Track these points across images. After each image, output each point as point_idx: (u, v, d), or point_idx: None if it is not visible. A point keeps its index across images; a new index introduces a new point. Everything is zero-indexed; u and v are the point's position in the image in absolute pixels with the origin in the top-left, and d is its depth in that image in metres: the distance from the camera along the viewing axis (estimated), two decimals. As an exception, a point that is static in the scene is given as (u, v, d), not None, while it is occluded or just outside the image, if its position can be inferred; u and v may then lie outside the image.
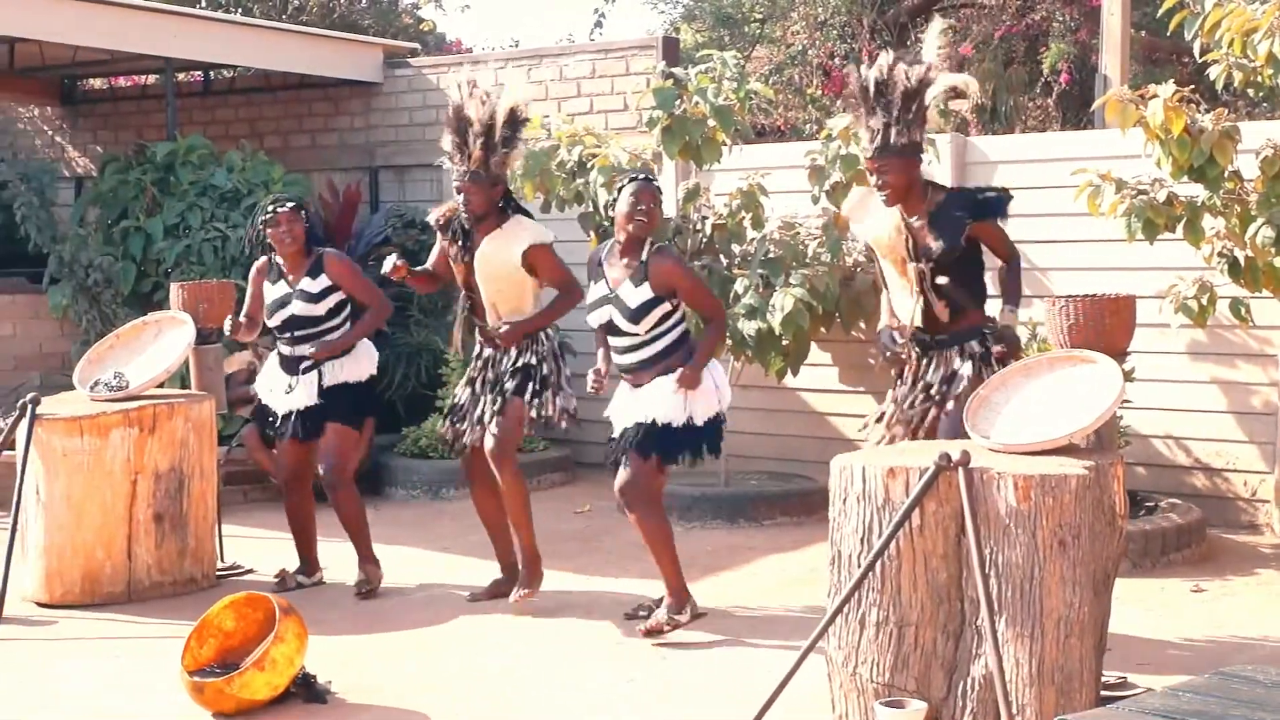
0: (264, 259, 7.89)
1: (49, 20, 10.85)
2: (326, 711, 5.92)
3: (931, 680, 5.20)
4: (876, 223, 6.46)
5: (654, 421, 6.75)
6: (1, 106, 15.22)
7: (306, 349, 7.73)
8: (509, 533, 7.53)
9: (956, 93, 6.36)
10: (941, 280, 6.30)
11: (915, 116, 6.26)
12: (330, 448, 7.71)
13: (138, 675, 6.45)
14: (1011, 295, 6.43)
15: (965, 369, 6.29)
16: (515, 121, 7.32)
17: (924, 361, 6.43)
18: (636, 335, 6.84)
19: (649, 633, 6.80)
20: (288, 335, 7.77)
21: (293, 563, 8.14)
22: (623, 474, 6.80)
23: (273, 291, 7.78)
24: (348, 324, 7.79)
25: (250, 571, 8.31)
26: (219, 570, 8.16)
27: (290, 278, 7.73)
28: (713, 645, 6.72)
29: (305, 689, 6.00)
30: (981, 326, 6.39)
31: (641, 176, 6.95)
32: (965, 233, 6.27)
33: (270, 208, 7.72)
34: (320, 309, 7.69)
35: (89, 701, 6.13)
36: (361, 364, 7.80)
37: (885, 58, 6.32)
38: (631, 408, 6.87)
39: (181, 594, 7.76)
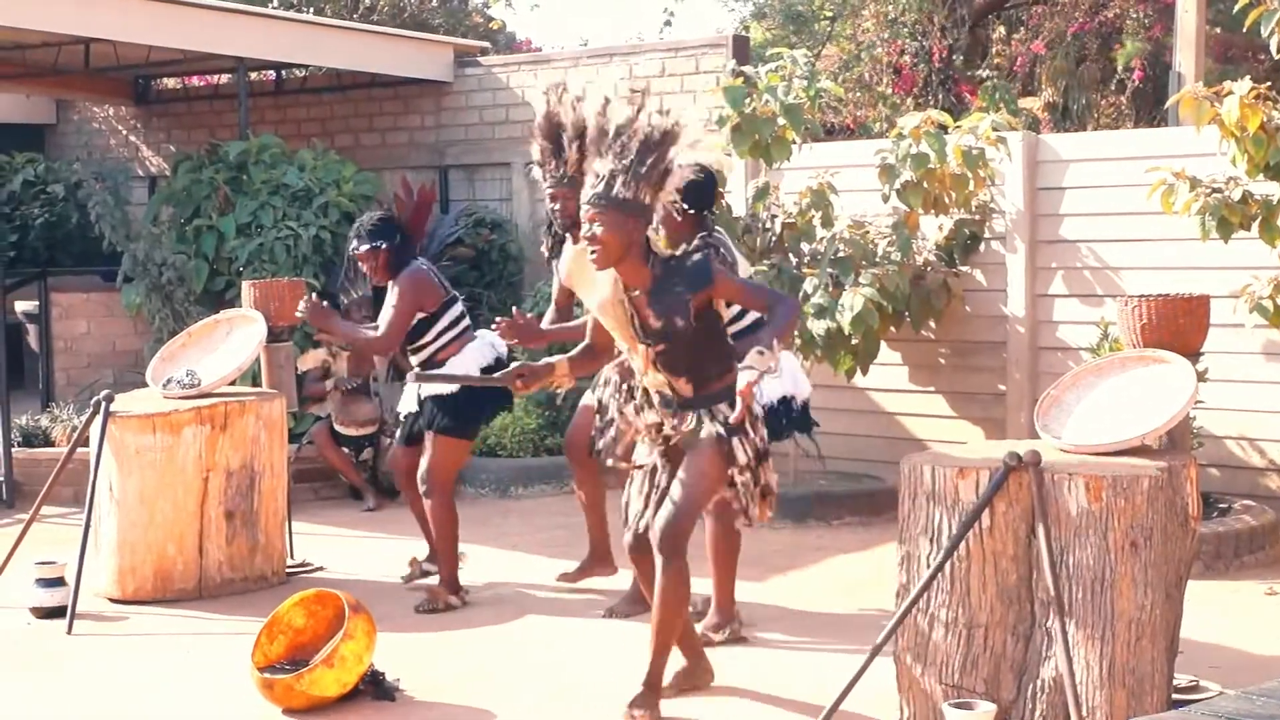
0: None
1: (124, 21, 10.95)
2: (394, 709, 5.94)
3: (1001, 682, 5.17)
4: (598, 287, 5.67)
5: None
6: (77, 106, 15.37)
7: (415, 359, 7.70)
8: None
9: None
10: (676, 359, 5.57)
11: (649, 173, 5.43)
12: (426, 457, 7.65)
13: (208, 671, 6.49)
14: (764, 334, 5.36)
15: (712, 430, 5.59)
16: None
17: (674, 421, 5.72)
18: None
19: None
20: (403, 349, 7.78)
21: (370, 560, 8.18)
22: None
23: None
24: (442, 337, 7.71)
25: (320, 569, 8.35)
26: (289, 567, 8.21)
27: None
28: (780, 645, 6.70)
29: (374, 686, 6.03)
30: (733, 387, 5.56)
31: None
32: (689, 309, 5.47)
33: (352, 244, 7.69)
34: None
35: (160, 697, 6.18)
36: (472, 358, 7.75)
37: (630, 103, 5.54)
38: None
39: (252, 591, 7.81)
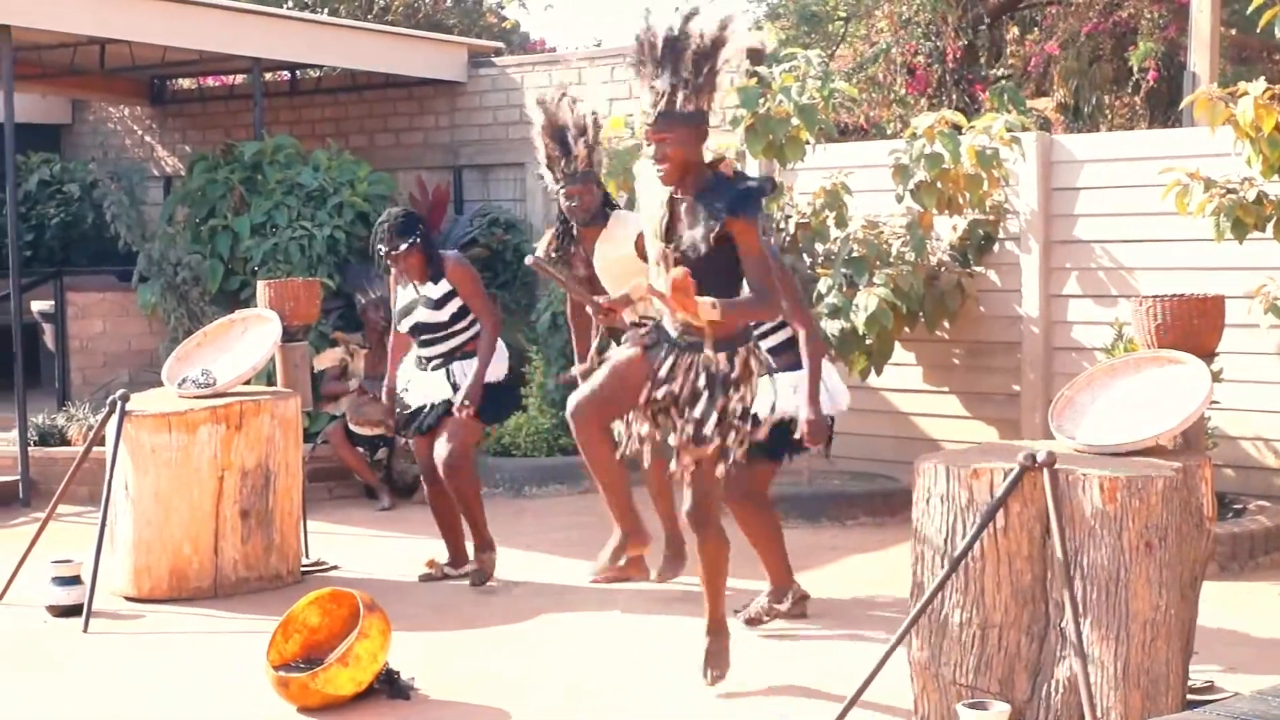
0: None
1: (140, 21, 10.97)
2: (409, 708, 5.96)
3: (1015, 682, 5.17)
4: (652, 200, 5.78)
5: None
6: (93, 107, 15.41)
7: (431, 351, 7.79)
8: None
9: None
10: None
11: (705, 81, 5.55)
12: (450, 432, 7.69)
13: (223, 670, 6.51)
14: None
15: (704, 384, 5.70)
16: (597, 124, 7.35)
17: (669, 361, 5.79)
18: None
19: (750, 622, 6.80)
20: (419, 340, 7.82)
21: (385, 559, 8.20)
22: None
23: (403, 296, 7.84)
24: (475, 327, 7.79)
25: (335, 568, 8.37)
26: (304, 566, 8.23)
27: (416, 283, 7.77)
28: (795, 644, 6.70)
29: (389, 685, 6.04)
30: (748, 331, 5.78)
31: None
32: (717, 229, 5.51)
33: (384, 250, 7.70)
34: (444, 315, 7.71)
35: (175, 695, 6.20)
36: (495, 366, 7.79)
37: (681, 12, 5.58)
38: None
39: (267, 590, 7.83)
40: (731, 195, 5.53)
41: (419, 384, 7.86)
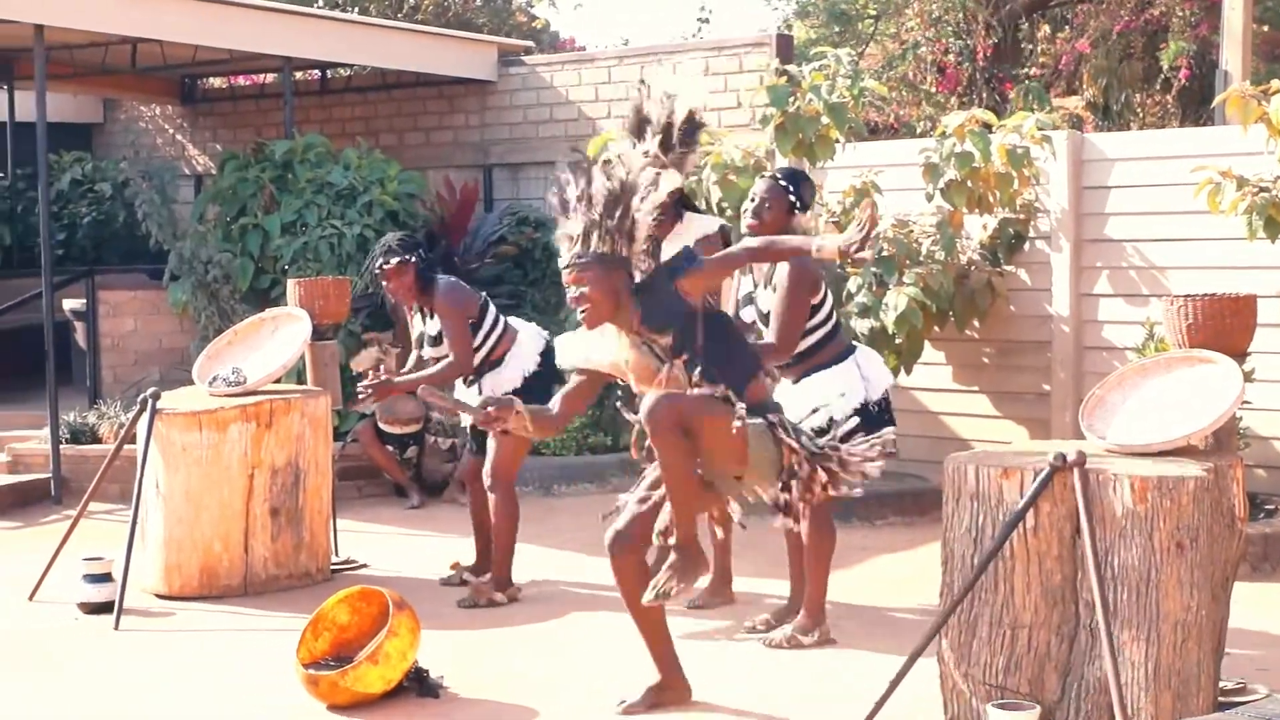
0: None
1: (171, 21, 11.01)
2: (439, 706, 5.96)
3: (1045, 683, 5.15)
4: (604, 350, 5.63)
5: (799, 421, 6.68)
6: (124, 106, 15.47)
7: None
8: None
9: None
10: (696, 367, 5.44)
11: (619, 225, 5.43)
12: (491, 453, 7.67)
13: (253, 667, 6.53)
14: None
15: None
16: (693, 123, 6.93)
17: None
18: (770, 335, 6.60)
19: (773, 646, 6.73)
20: None
21: (414, 557, 8.21)
22: None
23: (416, 326, 7.86)
24: (489, 339, 7.73)
25: (364, 566, 8.39)
26: (334, 565, 8.25)
27: (417, 313, 7.79)
28: (824, 645, 6.69)
29: (418, 683, 6.05)
30: (768, 402, 5.64)
31: (768, 175, 6.88)
32: (681, 297, 5.44)
33: (379, 263, 7.69)
34: (444, 350, 7.66)
35: (206, 692, 6.22)
36: (513, 373, 7.77)
37: (582, 175, 5.51)
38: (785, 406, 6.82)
39: (296, 588, 7.85)
40: (668, 270, 5.47)
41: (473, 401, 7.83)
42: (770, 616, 6.97)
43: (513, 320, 7.96)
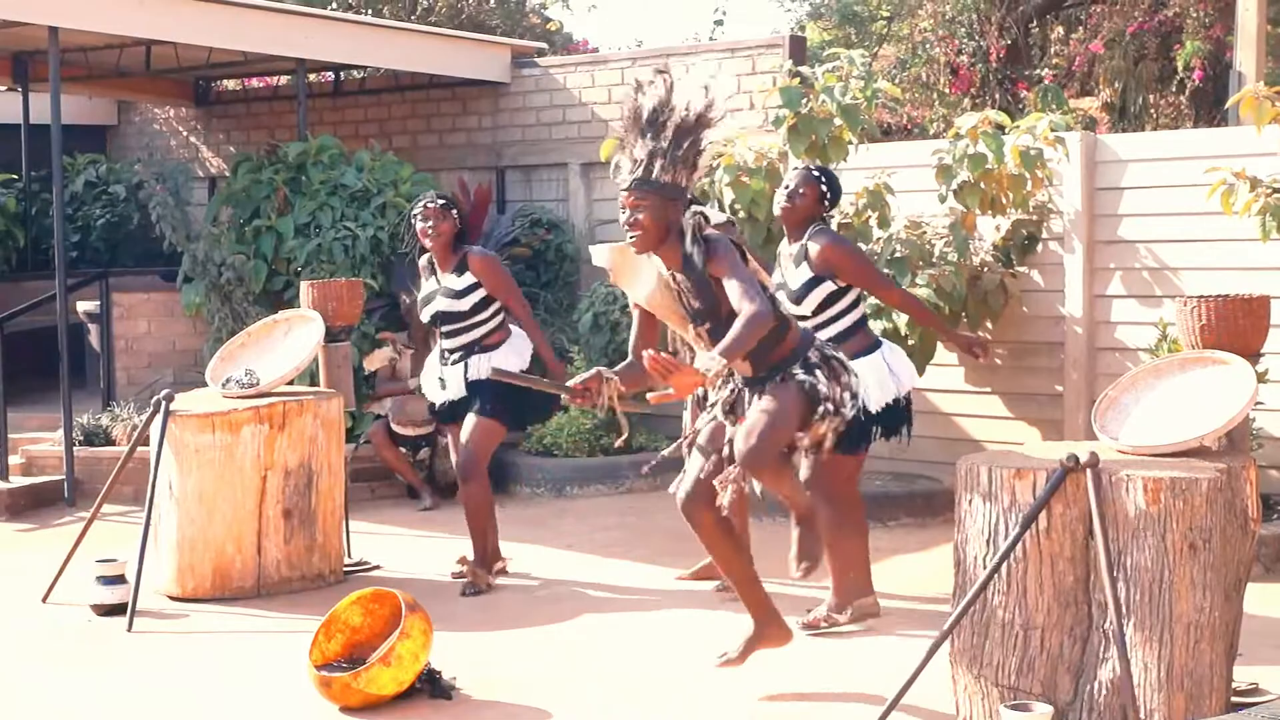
0: (424, 259, 8.00)
1: (185, 23, 11.02)
2: (451, 707, 5.97)
3: (1057, 684, 5.15)
4: (641, 278, 5.75)
5: None
6: (138, 108, 15.50)
7: (452, 343, 7.85)
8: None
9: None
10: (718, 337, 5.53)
11: (685, 155, 5.51)
12: (466, 438, 7.74)
13: (266, 669, 6.54)
14: (721, 343, 5.36)
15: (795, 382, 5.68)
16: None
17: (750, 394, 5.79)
18: (806, 318, 6.76)
19: (809, 625, 6.80)
20: (441, 330, 7.89)
21: (427, 559, 8.22)
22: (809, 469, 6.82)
23: (425, 287, 7.91)
24: (494, 320, 7.86)
25: (377, 567, 8.40)
26: (346, 566, 8.26)
27: (439, 274, 7.85)
28: (836, 645, 6.69)
29: (430, 685, 6.06)
30: (799, 349, 5.75)
31: (803, 165, 7.08)
32: (710, 283, 5.54)
33: (425, 202, 7.85)
34: (464, 305, 7.78)
35: (219, 694, 6.23)
36: (509, 360, 7.81)
37: (663, 83, 5.56)
38: None
39: (309, 589, 7.86)
40: (700, 248, 5.50)
41: (439, 377, 7.91)
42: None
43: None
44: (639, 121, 5.53)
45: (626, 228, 5.52)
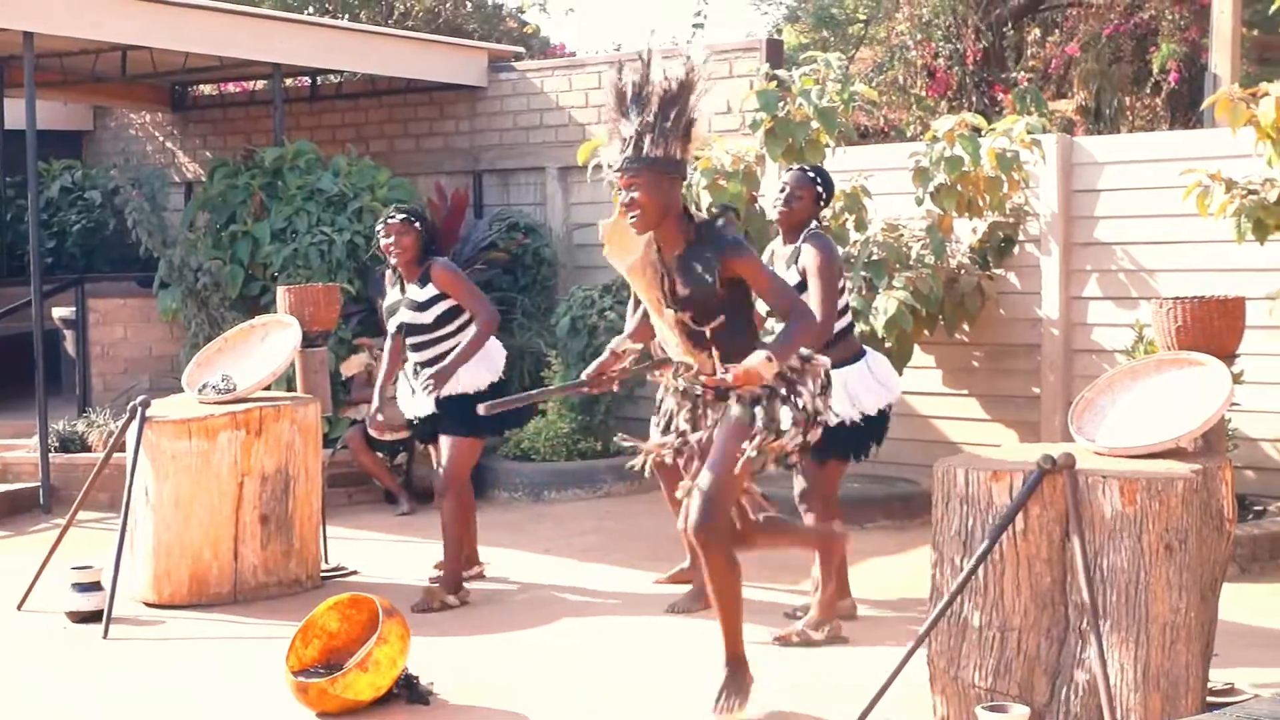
0: (389, 271, 7.93)
1: (161, 28, 10.99)
2: (429, 713, 5.96)
3: (1034, 685, 5.15)
4: (630, 249, 5.59)
5: None
6: (114, 113, 15.46)
7: (420, 356, 7.76)
8: None
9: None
10: (704, 328, 5.51)
11: (674, 126, 5.40)
12: (446, 458, 7.69)
13: (243, 675, 6.52)
14: (774, 342, 5.34)
15: (739, 413, 5.54)
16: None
17: (698, 406, 5.75)
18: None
19: (782, 639, 6.78)
20: (408, 343, 7.81)
21: (404, 564, 8.20)
22: (796, 479, 6.82)
23: (390, 295, 7.85)
24: (460, 331, 7.76)
25: (354, 573, 8.38)
26: (323, 572, 8.24)
27: (404, 285, 7.78)
28: (814, 648, 6.69)
29: (408, 690, 6.04)
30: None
31: (798, 167, 7.04)
32: (717, 274, 5.41)
33: (387, 216, 7.77)
34: (427, 317, 7.69)
35: (195, 701, 6.21)
36: (479, 374, 7.73)
37: (641, 60, 5.44)
38: None
39: (286, 595, 7.84)
40: (715, 238, 5.41)
41: (411, 393, 7.84)
42: (799, 609, 7.12)
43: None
44: (623, 101, 5.43)
45: (625, 209, 5.41)
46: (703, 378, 5.58)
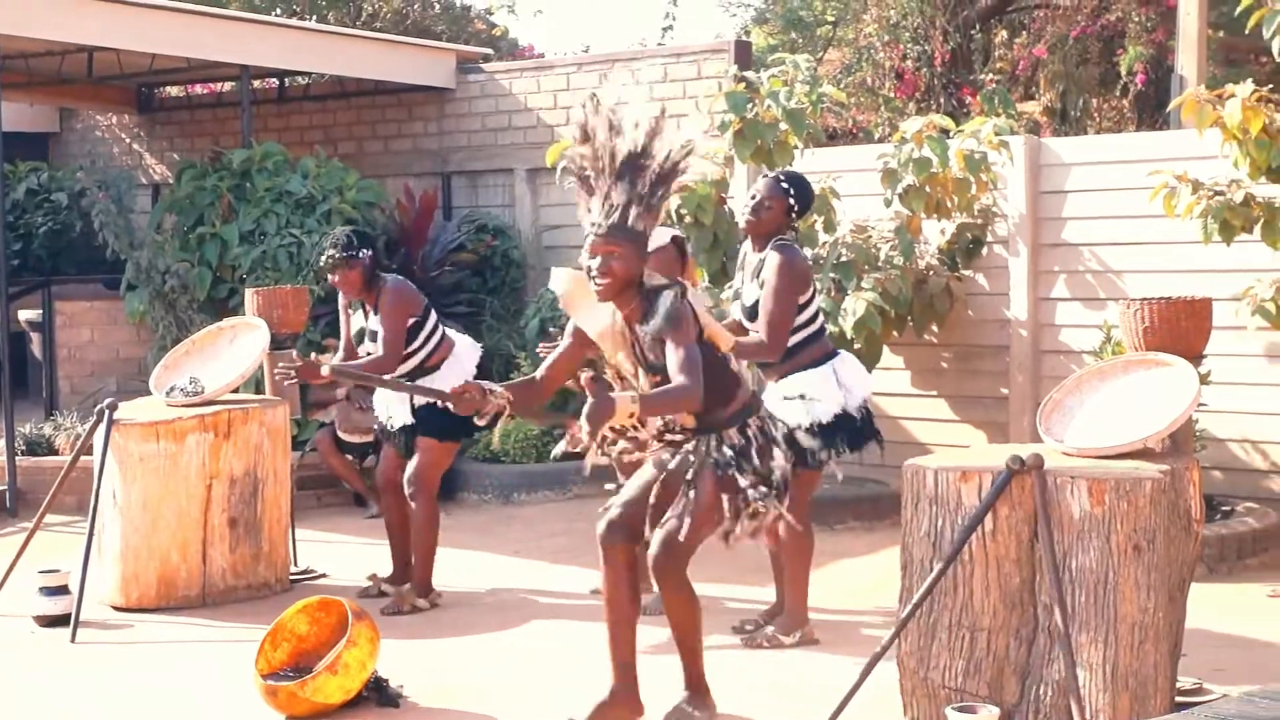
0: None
1: (127, 29, 10.95)
2: (399, 715, 5.94)
3: (1004, 685, 5.17)
4: (597, 316, 5.49)
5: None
6: (80, 115, 15.39)
7: (395, 372, 7.69)
8: None
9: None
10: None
11: (658, 202, 5.31)
12: (416, 460, 7.65)
13: (212, 678, 6.49)
14: (653, 393, 5.25)
15: (724, 455, 5.48)
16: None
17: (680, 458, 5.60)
18: (759, 332, 6.64)
19: (753, 645, 6.76)
20: None
21: (373, 566, 8.19)
22: None
23: (356, 321, 7.79)
24: (429, 344, 7.70)
25: (323, 576, 8.36)
26: (292, 575, 8.22)
27: (365, 308, 7.72)
28: (784, 651, 6.69)
29: (378, 693, 6.03)
30: (742, 413, 5.54)
31: (772, 175, 6.92)
32: (661, 345, 5.29)
33: (324, 257, 7.61)
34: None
35: (164, 705, 6.18)
36: (451, 378, 7.69)
37: (643, 127, 5.29)
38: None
39: (255, 598, 7.81)
40: (656, 307, 5.27)
41: (399, 404, 7.80)
42: (760, 617, 7.03)
43: (450, 332, 7.89)
44: (615, 163, 5.26)
45: (596, 275, 5.27)
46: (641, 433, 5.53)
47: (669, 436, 5.54)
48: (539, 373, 5.67)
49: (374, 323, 7.60)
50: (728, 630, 6.95)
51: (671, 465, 5.54)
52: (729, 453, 5.44)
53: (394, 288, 7.59)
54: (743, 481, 5.42)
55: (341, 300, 7.88)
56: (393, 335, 7.47)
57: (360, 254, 7.53)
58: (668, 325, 5.23)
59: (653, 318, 5.27)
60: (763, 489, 5.46)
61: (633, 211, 5.24)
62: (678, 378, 5.15)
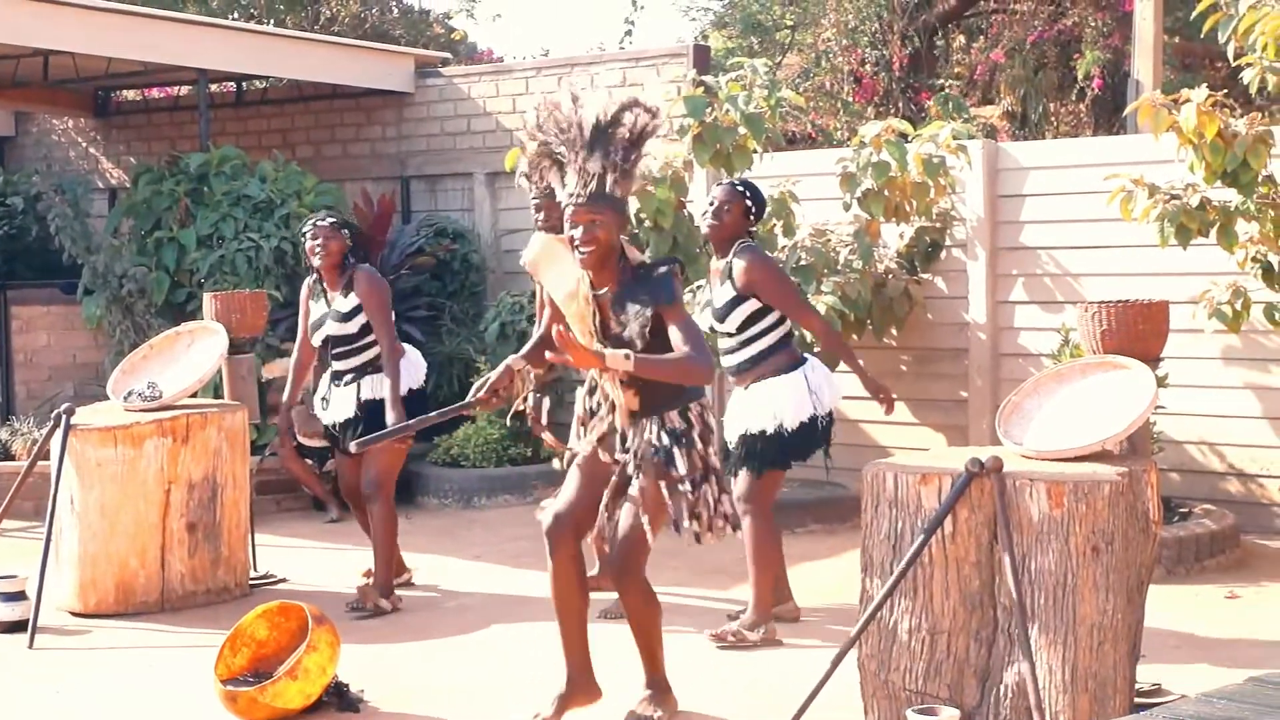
0: (311, 278, 7.86)
1: (83, 33, 10.90)
2: (359, 720, 5.94)
3: (964, 687, 5.18)
4: (565, 278, 5.56)
5: (747, 431, 6.82)
6: (36, 119, 15.30)
7: (343, 365, 7.71)
8: None
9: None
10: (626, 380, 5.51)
11: (631, 168, 5.42)
12: (368, 462, 7.66)
13: (171, 684, 6.46)
14: (655, 355, 5.32)
15: (663, 441, 5.55)
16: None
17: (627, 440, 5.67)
18: (731, 335, 6.89)
19: (717, 637, 6.82)
20: (332, 353, 7.75)
21: (333, 571, 8.17)
22: (736, 485, 6.85)
23: (315, 310, 7.78)
24: (376, 346, 7.71)
25: (283, 581, 8.33)
26: (252, 579, 8.18)
27: (329, 295, 7.72)
28: (745, 653, 6.70)
29: (338, 698, 6.01)
30: (684, 396, 5.57)
31: (727, 181, 7.10)
32: (648, 320, 5.39)
33: (316, 219, 7.72)
34: (351, 327, 7.64)
35: (123, 711, 6.15)
36: (402, 380, 7.71)
37: (609, 98, 5.44)
38: (736, 415, 6.95)
39: (215, 603, 7.78)
40: (653, 285, 5.40)
41: (332, 400, 7.80)
42: (733, 615, 7.11)
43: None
44: (585, 134, 5.36)
45: (580, 243, 5.36)
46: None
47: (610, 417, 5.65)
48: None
49: (344, 303, 7.64)
50: (694, 629, 6.97)
51: (618, 457, 5.64)
52: (666, 440, 5.52)
53: (371, 274, 7.72)
54: (677, 472, 5.51)
55: (304, 292, 7.89)
56: (388, 321, 7.63)
57: (344, 230, 7.69)
58: (670, 302, 5.39)
59: (643, 294, 5.39)
60: (697, 477, 5.54)
61: (610, 179, 5.37)
62: (684, 349, 5.29)
